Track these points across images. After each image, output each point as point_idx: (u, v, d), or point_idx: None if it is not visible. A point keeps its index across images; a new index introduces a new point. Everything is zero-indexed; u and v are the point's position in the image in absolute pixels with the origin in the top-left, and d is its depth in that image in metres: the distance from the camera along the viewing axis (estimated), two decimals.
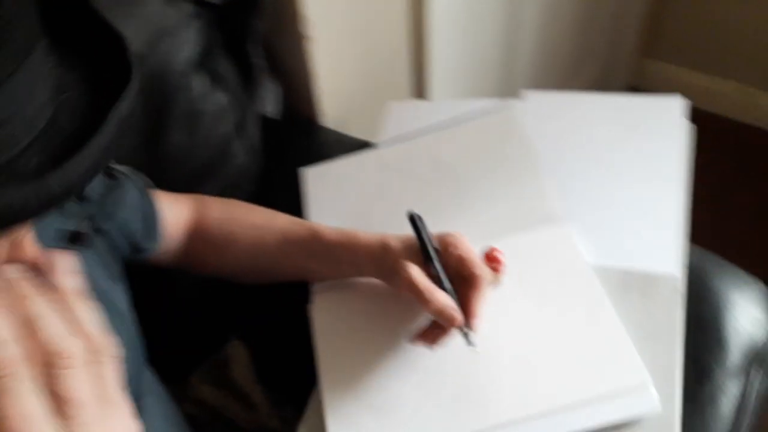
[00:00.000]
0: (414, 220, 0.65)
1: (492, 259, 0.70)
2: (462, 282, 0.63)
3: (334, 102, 1.01)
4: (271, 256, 0.74)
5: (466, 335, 0.63)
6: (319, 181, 0.89)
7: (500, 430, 0.62)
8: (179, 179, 0.79)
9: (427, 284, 0.62)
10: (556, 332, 0.67)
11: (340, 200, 0.86)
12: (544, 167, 0.80)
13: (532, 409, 0.63)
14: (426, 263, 0.63)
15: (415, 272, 0.62)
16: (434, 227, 0.65)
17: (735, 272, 0.71)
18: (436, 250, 0.64)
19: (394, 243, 0.67)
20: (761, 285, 0.70)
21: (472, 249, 0.64)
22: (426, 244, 0.64)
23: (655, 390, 0.61)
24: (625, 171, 0.79)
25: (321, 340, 0.71)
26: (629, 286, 0.69)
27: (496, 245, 0.71)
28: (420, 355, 0.68)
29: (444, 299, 0.62)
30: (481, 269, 0.63)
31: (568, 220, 0.75)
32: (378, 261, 0.67)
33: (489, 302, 0.63)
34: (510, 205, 0.78)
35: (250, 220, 0.75)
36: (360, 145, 0.91)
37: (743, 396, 0.63)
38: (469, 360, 0.66)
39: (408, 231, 0.65)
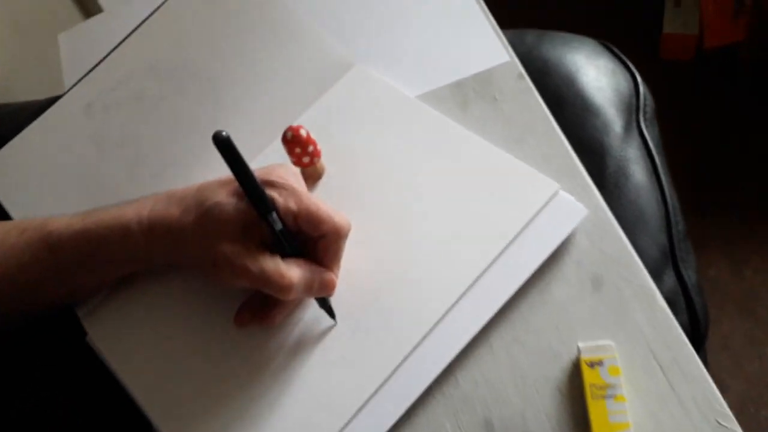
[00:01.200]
0: (225, 145, 0.41)
1: (302, 143, 0.49)
2: (303, 237, 0.45)
3: None
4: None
5: (329, 308, 0.46)
6: (10, 173, 0.59)
7: (444, 328, 0.45)
8: None
9: (275, 268, 0.42)
10: (430, 190, 0.50)
11: (53, 183, 0.58)
12: (302, 16, 0.60)
13: (459, 287, 0.46)
14: (261, 217, 0.43)
15: (253, 263, 0.42)
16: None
17: (563, 37, 0.60)
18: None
19: (171, 210, 0.45)
20: (591, 40, 0.60)
21: (308, 194, 0.45)
22: (256, 186, 0.42)
23: (569, 194, 0.47)
24: None
25: (124, 372, 0.48)
26: (468, 97, 0.54)
27: (299, 122, 0.51)
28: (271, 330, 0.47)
29: (304, 274, 0.44)
30: (331, 221, 0.44)
31: (364, 62, 0.57)
32: (167, 243, 0.45)
33: (342, 196, 0.47)
34: (291, 74, 0.57)
35: None
36: (44, 106, 0.63)
37: (648, 154, 0.53)
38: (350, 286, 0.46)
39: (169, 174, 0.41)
